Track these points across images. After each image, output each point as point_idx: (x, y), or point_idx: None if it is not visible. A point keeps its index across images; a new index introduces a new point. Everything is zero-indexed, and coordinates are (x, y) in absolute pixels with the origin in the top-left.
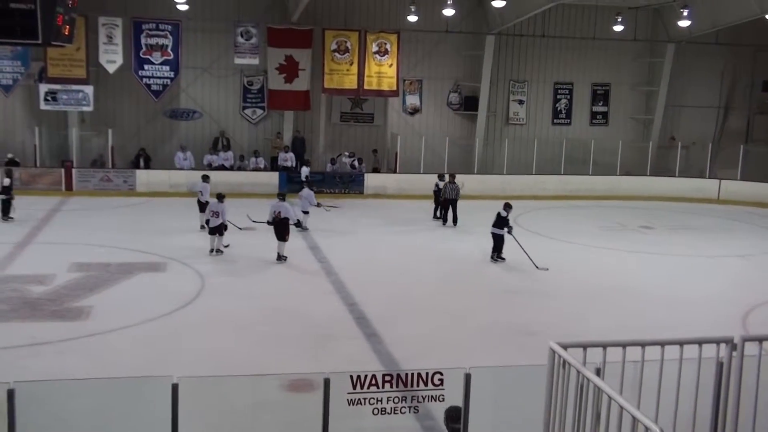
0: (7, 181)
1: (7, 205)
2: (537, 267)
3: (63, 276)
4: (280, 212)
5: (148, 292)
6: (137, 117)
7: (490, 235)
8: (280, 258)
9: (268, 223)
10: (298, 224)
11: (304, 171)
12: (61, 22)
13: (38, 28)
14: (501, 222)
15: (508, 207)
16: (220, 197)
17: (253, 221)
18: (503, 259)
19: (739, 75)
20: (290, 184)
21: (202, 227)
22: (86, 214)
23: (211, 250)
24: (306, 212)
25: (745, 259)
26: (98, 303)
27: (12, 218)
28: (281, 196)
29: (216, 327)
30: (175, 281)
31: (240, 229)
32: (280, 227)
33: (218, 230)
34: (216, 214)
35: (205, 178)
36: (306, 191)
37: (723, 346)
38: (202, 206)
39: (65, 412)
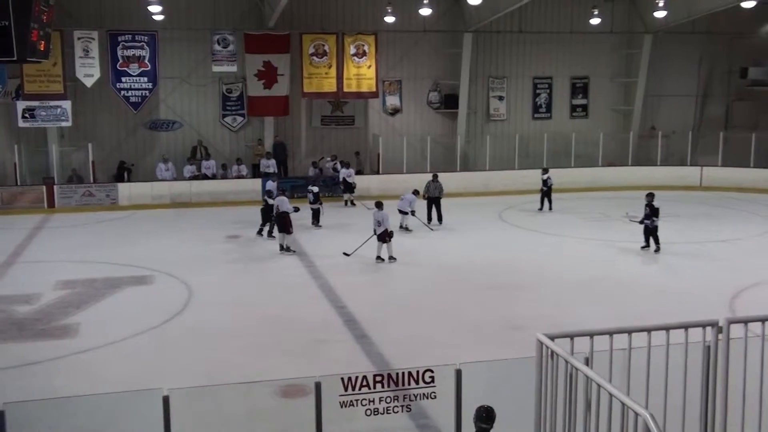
0: (315, 189)
1: (317, 213)
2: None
3: (49, 294)
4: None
5: (135, 305)
6: (117, 130)
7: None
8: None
9: (375, 233)
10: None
11: (344, 173)
12: (36, 38)
13: (13, 44)
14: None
15: (647, 197)
16: (379, 205)
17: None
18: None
19: (716, 63)
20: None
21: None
22: (70, 231)
23: (378, 258)
24: (405, 212)
25: (730, 243)
26: (86, 319)
27: (320, 226)
28: (380, 205)
29: (205, 337)
30: (163, 293)
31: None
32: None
33: (383, 238)
34: (378, 222)
35: (273, 178)
36: (409, 195)
37: (709, 329)
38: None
39: (58, 431)
